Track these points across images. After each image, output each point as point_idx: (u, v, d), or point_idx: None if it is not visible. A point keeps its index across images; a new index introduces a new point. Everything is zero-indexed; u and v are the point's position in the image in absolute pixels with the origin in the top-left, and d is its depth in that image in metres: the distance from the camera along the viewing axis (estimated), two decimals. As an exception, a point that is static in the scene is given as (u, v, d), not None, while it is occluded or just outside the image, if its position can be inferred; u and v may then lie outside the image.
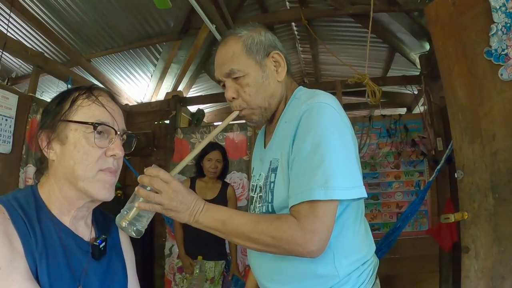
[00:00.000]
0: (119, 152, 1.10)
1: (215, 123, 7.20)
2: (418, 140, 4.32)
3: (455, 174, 2.07)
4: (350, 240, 1.26)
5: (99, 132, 1.07)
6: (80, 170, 1.03)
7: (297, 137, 1.21)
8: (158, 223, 4.80)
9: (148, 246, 4.80)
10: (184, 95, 5.94)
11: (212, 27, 4.11)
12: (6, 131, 3.58)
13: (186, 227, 3.69)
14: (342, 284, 1.23)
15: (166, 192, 1.12)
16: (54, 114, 1.08)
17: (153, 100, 6.40)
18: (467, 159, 2.01)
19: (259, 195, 1.38)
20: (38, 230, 0.98)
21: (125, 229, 1.13)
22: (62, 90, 1.18)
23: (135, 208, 1.12)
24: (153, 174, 1.12)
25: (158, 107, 5.55)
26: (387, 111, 5.08)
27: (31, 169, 3.81)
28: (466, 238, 1.98)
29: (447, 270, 4.07)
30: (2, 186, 3.61)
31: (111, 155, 1.09)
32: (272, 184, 1.28)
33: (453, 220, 1.97)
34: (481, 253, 1.90)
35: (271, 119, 1.42)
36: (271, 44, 1.36)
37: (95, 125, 1.05)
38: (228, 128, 4.83)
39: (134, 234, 1.14)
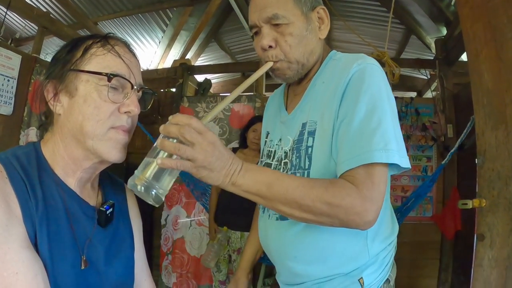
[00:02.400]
0: (135, 108, 0.98)
1: (221, 94, 7.14)
2: (429, 125, 4.24)
3: (476, 159, 2.01)
4: (381, 217, 1.18)
5: (114, 85, 0.95)
6: (89, 126, 0.93)
7: (346, 97, 1.11)
8: (160, 192, 4.75)
9: (148, 215, 4.72)
10: (192, 64, 5.85)
11: (228, -7, 3.94)
12: (8, 92, 3.52)
13: (220, 194, 3.73)
14: (369, 265, 1.18)
15: (201, 145, 0.89)
16: (64, 63, 0.97)
17: (160, 67, 6.33)
18: (489, 145, 1.94)
19: (284, 161, 1.27)
20: (40, 192, 0.89)
21: (140, 193, 0.90)
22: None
23: (155, 165, 0.89)
24: (182, 122, 0.89)
25: (164, 75, 5.42)
26: (396, 94, 5.01)
27: (33, 132, 3.78)
28: (482, 226, 1.93)
29: (448, 258, 4.06)
30: (2, 148, 3.52)
31: (126, 112, 0.97)
32: (310, 149, 1.16)
33: (470, 207, 1.92)
34: (496, 242, 1.85)
35: (300, 78, 1.29)
36: None
37: (109, 77, 0.93)
38: (236, 99, 4.72)
39: (152, 200, 0.90)
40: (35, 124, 3.76)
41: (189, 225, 4.60)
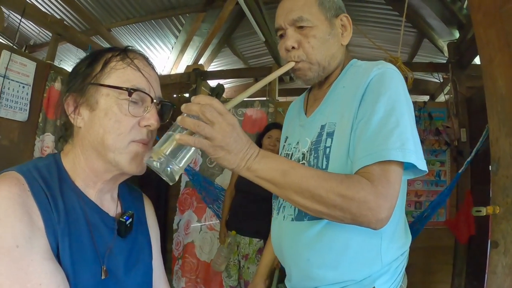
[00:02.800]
0: (155, 122, 0.99)
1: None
2: (442, 129, 4.22)
3: (490, 166, 2.01)
4: (396, 224, 1.20)
5: (134, 99, 0.96)
6: (110, 139, 0.94)
7: (366, 99, 1.13)
8: (173, 197, 4.80)
9: (162, 219, 4.75)
10: (205, 69, 5.89)
11: (241, -1, 3.97)
12: (23, 98, 3.55)
13: (233, 200, 3.76)
14: (382, 274, 1.17)
15: (220, 124, 0.90)
16: (84, 76, 0.98)
17: (173, 72, 6.36)
18: (504, 152, 1.93)
19: (301, 162, 1.28)
20: (61, 204, 0.89)
21: (155, 168, 0.89)
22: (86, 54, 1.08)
23: (173, 141, 0.90)
24: (204, 102, 0.91)
25: (177, 80, 5.48)
26: (408, 92, 4.98)
27: (49, 138, 3.81)
28: (496, 233, 1.92)
29: (461, 263, 4.02)
30: (18, 154, 3.61)
31: (146, 126, 0.98)
32: (328, 149, 1.18)
33: (485, 214, 1.91)
34: (510, 249, 1.84)
35: (321, 83, 1.34)
36: (341, 7, 1.30)
37: (130, 91, 0.94)
38: (248, 104, 4.78)
39: (166, 177, 0.90)
40: (50, 130, 3.81)
41: (199, 230, 4.60)
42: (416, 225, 3.67)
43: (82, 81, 0.98)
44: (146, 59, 1.08)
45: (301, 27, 1.23)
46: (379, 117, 1.08)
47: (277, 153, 3.59)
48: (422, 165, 1.07)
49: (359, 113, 1.14)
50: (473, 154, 3.41)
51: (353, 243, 1.15)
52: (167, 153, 0.89)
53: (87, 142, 0.97)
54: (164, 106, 1.09)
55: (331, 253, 1.18)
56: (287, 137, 1.50)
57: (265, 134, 3.79)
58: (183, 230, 4.67)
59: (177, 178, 0.92)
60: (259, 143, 3.83)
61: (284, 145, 1.50)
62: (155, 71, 1.09)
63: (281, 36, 1.29)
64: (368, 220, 0.99)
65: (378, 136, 1.06)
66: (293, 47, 1.24)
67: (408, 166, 1.08)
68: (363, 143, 1.08)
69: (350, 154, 1.13)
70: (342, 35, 1.30)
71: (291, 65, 1.25)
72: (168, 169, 0.89)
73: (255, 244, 3.53)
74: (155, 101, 1.02)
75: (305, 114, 1.41)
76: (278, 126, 3.84)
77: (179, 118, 0.91)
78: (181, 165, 0.91)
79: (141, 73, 1.00)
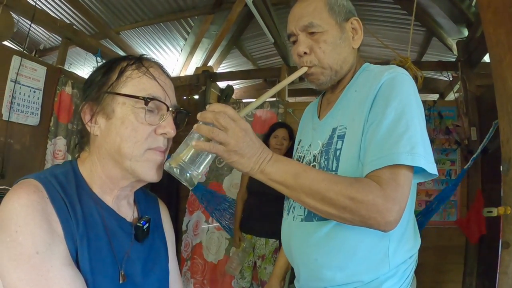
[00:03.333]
0: (171, 130, 1.00)
1: (243, 100, 7.19)
2: (452, 128, 4.21)
3: (500, 168, 2.01)
4: (405, 227, 1.21)
5: (150, 108, 0.97)
6: (127, 148, 0.95)
7: (377, 103, 1.16)
8: (184, 199, 4.83)
9: (173, 221, 4.74)
10: (214, 71, 5.91)
11: (249, 0, 3.95)
12: (34, 103, 3.59)
13: (245, 202, 3.79)
14: (389, 277, 1.19)
15: (233, 130, 0.96)
16: (100, 85, 0.99)
17: (182, 74, 6.39)
18: (514, 152, 1.94)
19: (312, 164, 1.31)
20: (79, 210, 0.91)
21: (175, 174, 0.96)
22: (100, 62, 1.08)
23: (190, 148, 0.96)
24: (218, 109, 0.97)
25: (187, 82, 5.50)
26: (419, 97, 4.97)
27: (61, 141, 3.85)
28: (507, 233, 1.92)
29: (473, 263, 4.00)
30: (29, 158, 3.65)
31: (162, 133, 1.00)
32: (338, 151, 1.21)
33: (496, 214, 1.92)
34: (522, 249, 1.85)
35: (334, 87, 1.36)
36: (351, 10, 1.32)
37: (146, 100, 0.96)
38: (259, 105, 4.75)
39: (185, 182, 0.97)
40: (62, 134, 3.85)
41: (206, 230, 4.62)
42: (420, 218, 3.67)
43: (98, 90, 0.99)
44: (161, 67, 1.09)
45: (312, 33, 1.25)
46: (389, 121, 1.10)
47: (284, 152, 3.63)
48: (432, 168, 1.08)
49: (369, 117, 1.16)
50: (479, 150, 3.42)
51: (361, 245, 1.17)
52: (185, 159, 0.96)
53: (104, 150, 0.98)
54: (180, 114, 1.10)
55: (340, 254, 1.20)
56: (300, 140, 1.54)
57: (271, 134, 3.81)
58: (192, 231, 4.69)
59: (196, 182, 0.98)
60: (266, 143, 3.84)
61: (297, 147, 1.53)
62: (170, 78, 1.10)
63: (294, 42, 1.32)
64: (377, 223, 1.02)
65: (388, 140, 1.08)
66: (305, 53, 1.27)
67: (418, 170, 1.09)
68: (373, 147, 1.10)
69: (361, 157, 1.15)
70: (353, 38, 1.32)
71: (304, 70, 1.28)
72: (188, 174, 0.96)
73: (271, 245, 3.57)
74: (171, 109, 1.03)
75: (318, 117, 1.43)
76: (283, 125, 3.88)
77: (195, 125, 0.97)
78: (199, 171, 0.98)
79: (157, 81, 1.02)
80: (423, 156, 1.06)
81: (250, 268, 3.67)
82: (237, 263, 3.59)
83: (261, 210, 3.51)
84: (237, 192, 3.97)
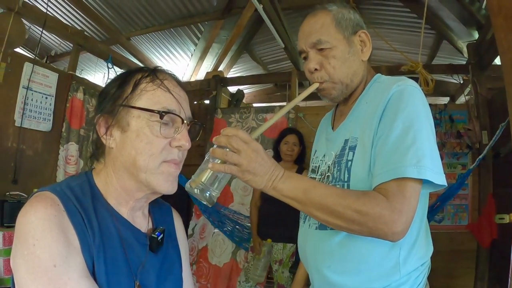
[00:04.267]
0: (186, 143, 1.00)
1: (254, 104, 7.21)
2: (463, 132, 4.19)
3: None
4: (416, 236, 1.22)
5: (165, 121, 0.97)
6: (142, 161, 0.95)
7: (385, 115, 1.18)
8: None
9: (184, 224, 4.74)
10: (225, 75, 5.94)
11: (259, 6, 3.98)
12: (46, 109, 3.66)
13: (260, 208, 3.81)
14: (400, 284, 1.20)
15: (245, 152, 1.03)
16: (115, 98, 0.99)
17: (193, 79, 6.42)
18: (526, 157, 1.94)
19: (326, 175, 1.34)
20: (95, 222, 0.92)
21: (196, 194, 1.04)
22: (111, 68, 1.08)
23: (208, 170, 1.03)
24: (231, 133, 1.04)
25: (198, 87, 5.54)
26: (429, 100, 4.93)
27: (73, 147, 3.91)
28: (518, 239, 1.92)
29: (484, 267, 3.97)
30: (42, 164, 3.72)
31: (177, 146, 1.00)
32: (349, 163, 1.24)
33: (508, 221, 1.91)
34: (534, 255, 1.84)
35: (346, 98, 1.38)
36: (358, 23, 1.34)
37: (161, 114, 0.96)
38: (269, 109, 4.86)
39: (206, 201, 1.04)
40: (74, 139, 3.91)
41: (212, 232, 4.62)
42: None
43: (113, 103, 1.00)
44: (175, 78, 1.09)
45: (321, 49, 1.28)
46: (397, 134, 1.13)
47: (295, 158, 3.63)
48: (439, 180, 1.10)
49: (379, 129, 1.18)
50: (485, 151, 3.43)
51: (373, 253, 1.19)
52: (204, 181, 1.03)
53: (119, 162, 0.99)
54: (194, 126, 1.10)
55: (352, 261, 1.22)
56: (316, 150, 1.56)
57: (281, 141, 3.83)
58: (198, 235, 4.70)
59: (215, 200, 1.06)
60: (276, 149, 3.88)
61: (312, 158, 1.56)
62: (184, 90, 1.10)
63: (305, 58, 1.35)
64: (385, 234, 1.06)
65: (395, 153, 1.11)
66: (315, 69, 1.30)
67: (427, 181, 1.10)
68: (381, 160, 1.13)
69: (372, 169, 1.17)
70: (362, 51, 1.34)
71: (315, 86, 1.32)
72: (207, 194, 1.03)
73: (289, 249, 3.59)
74: (185, 121, 1.03)
75: (332, 128, 1.46)
76: (293, 131, 3.90)
77: (211, 149, 1.05)
78: (217, 190, 1.05)
79: (171, 94, 1.01)
80: (430, 169, 1.08)
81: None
82: (261, 270, 3.61)
83: (277, 216, 3.53)
84: (250, 199, 4.00)
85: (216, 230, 4.57)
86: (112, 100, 1.00)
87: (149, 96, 0.99)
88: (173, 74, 1.10)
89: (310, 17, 1.33)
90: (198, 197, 1.05)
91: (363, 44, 1.34)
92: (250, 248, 3.83)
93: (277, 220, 3.56)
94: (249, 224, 4.06)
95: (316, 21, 1.30)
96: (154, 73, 1.03)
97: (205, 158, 1.07)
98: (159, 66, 1.09)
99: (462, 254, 4.12)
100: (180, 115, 1.01)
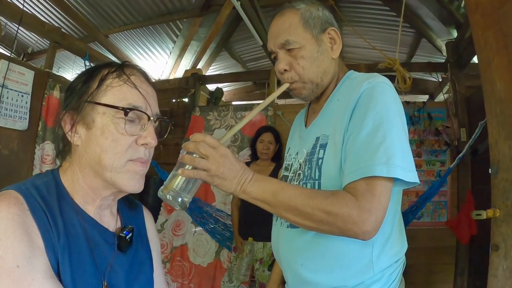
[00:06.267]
0: (152, 141, 0.98)
1: (233, 102, 7.18)
2: (442, 129, 4.23)
3: (489, 169, 2.00)
4: (389, 233, 1.22)
5: (130, 118, 0.95)
6: (107, 159, 0.93)
7: (356, 113, 1.17)
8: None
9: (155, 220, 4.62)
10: (203, 73, 5.90)
11: (237, 3, 3.94)
12: (22, 107, 3.58)
13: (240, 208, 3.80)
14: (374, 281, 1.20)
15: (213, 157, 1.05)
16: (80, 94, 0.96)
17: (171, 77, 6.38)
18: (503, 155, 1.93)
19: (297, 172, 1.34)
20: (60, 222, 0.89)
21: (168, 201, 1.05)
22: (88, 66, 1.05)
23: (179, 176, 1.05)
24: (199, 140, 1.06)
25: (176, 85, 5.49)
26: (408, 98, 5.00)
27: (49, 146, 3.84)
28: (496, 236, 1.91)
29: (463, 263, 4.03)
30: (18, 163, 3.63)
31: (143, 144, 0.98)
32: (320, 161, 1.23)
33: (485, 217, 1.91)
34: (511, 252, 1.84)
35: (318, 97, 1.37)
36: (327, 20, 1.32)
37: (126, 110, 0.93)
38: (248, 107, 4.86)
39: (178, 207, 1.06)
40: (50, 138, 3.82)
41: (193, 232, 4.56)
42: (407, 215, 3.70)
43: (78, 98, 0.96)
44: (143, 74, 1.06)
45: (290, 49, 1.27)
46: (366, 132, 1.12)
47: (271, 155, 3.66)
48: (410, 177, 1.09)
49: (349, 127, 1.17)
50: (465, 150, 3.47)
51: (345, 250, 1.19)
52: (176, 187, 1.05)
53: (84, 160, 0.96)
54: (162, 123, 1.08)
55: (324, 259, 1.22)
56: (289, 148, 1.55)
57: (257, 139, 3.84)
58: (170, 231, 4.61)
59: (188, 205, 1.08)
60: (253, 148, 3.89)
61: (286, 155, 1.55)
62: (152, 86, 1.07)
63: (275, 58, 1.34)
64: (355, 233, 1.06)
65: (364, 152, 1.10)
66: (285, 70, 1.29)
67: (399, 178, 1.09)
68: (351, 159, 1.13)
69: (343, 167, 1.17)
70: (332, 48, 1.32)
71: (286, 86, 1.31)
72: (179, 200, 1.05)
73: (269, 248, 3.58)
74: (152, 118, 1.00)
75: (305, 125, 1.45)
76: (269, 129, 3.91)
77: (181, 155, 1.08)
78: (189, 195, 1.07)
79: (138, 90, 0.99)
80: (401, 167, 1.07)
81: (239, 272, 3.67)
82: (245, 269, 3.62)
83: (256, 215, 3.48)
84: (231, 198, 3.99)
85: (198, 229, 4.52)
86: (77, 96, 0.97)
87: (114, 92, 0.96)
88: (142, 69, 1.07)
89: (278, 17, 1.32)
90: (171, 203, 1.06)
91: (333, 41, 1.33)
92: (233, 248, 3.82)
93: (256, 219, 3.51)
94: (231, 223, 4.05)
95: (284, 21, 1.29)
96: (121, 68, 1.00)
97: (177, 164, 1.09)
98: (127, 61, 1.05)
99: (441, 250, 4.18)
100: (146, 112, 0.98)
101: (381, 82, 1.19)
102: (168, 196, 1.04)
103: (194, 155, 1.05)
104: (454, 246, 4.11)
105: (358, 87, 1.20)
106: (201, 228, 4.49)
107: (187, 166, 1.06)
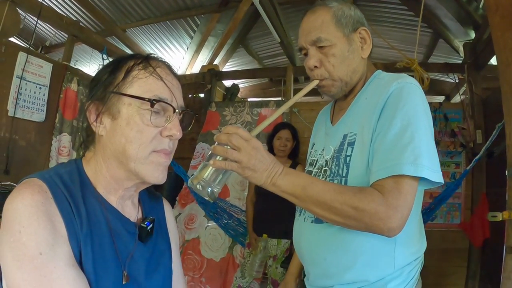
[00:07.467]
0: (177, 132, 0.98)
1: (249, 99, 7.20)
2: (457, 130, 4.20)
3: (506, 171, 2.00)
4: (411, 231, 1.24)
5: (156, 109, 0.95)
6: (132, 149, 0.93)
7: (384, 112, 1.19)
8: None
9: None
10: (220, 69, 5.92)
11: (256, 0, 3.96)
12: (40, 99, 3.63)
13: (255, 204, 3.80)
14: (393, 278, 1.21)
15: (245, 149, 1.06)
16: (106, 85, 0.97)
17: (188, 73, 6.40)
18: (520, 157, 1.93)
19: (324, 169, 1.36)
20: (83, 211, 0.90)
21: (198, 190, 1.07)
22: (106, 60, 1.05)
23: (210, 167, 1.07)
24: (231, 131, 1.07)
25: (192, 80, 5.51)
26: (428, 106, 4.96)
27: (65, 138, 3.88)
28: (511, 238, 1.92)
29: (475, 266, 3.99)
30: (35, 154, 3.68)
31: (168, 136, 0.98)
32: (348, 158, 1.25)
33: (500, 219, 1.91)
34: (526, 254, 1.84)
35: (346, 95, 1.39)
36: (359, 20, 1.33)
37: (152, 102, 0.93)
38: (263, 104, 4.83)
39: (208, 197, 1.08)
40: (67, 130, 3.87)
41: (205, 226, 4.54)
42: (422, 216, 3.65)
43: (104, 89, 0.97)
44: (168, 67, 1.06)
45: (321, 47, 1.28)
46: (395, 131, 1.13)
47: (288, 153, 3.65)
48: (436, 177, 1.11)
49: (377, 126, 1.19)
50: (482, 152, 3.41)
51: (368, 246, 1.20)
52: (205, 177, 1.07)
53: (108, 150, 0.97)
54: (186, 115, 1.08)
55: (347, 254, 1.24)
56: (314, 144, 1.57)
57: (275, 136, 3.82)
58: (182, 225, 4.59)
59: (217, 196, 1.11)
60: (269, 145, 3.86)
61: (311, 151, 1.56)
62: (177, 79, 1.08)
63: (305, 54, 1.35)
64: (380, 229, 1.08)
65: (393, 151, 1.12)
66: (315, 66, 1.30)
67: (424, 178, 1.11)
68: (379, 157, 1.15)
69: (370, 165, 1.18)
70: (362, 48, 1.33)
71: (315, 83, 1.32)
72: (209, 190, 1.07)
73: (283, 245, 3.59)
74: (177, 111, 1.00)
75: (331, 122, 1.47)
76: (286, 126, 3.88)
77: (213, 146, 1.09)
78: (219, 186, 1.09)
79: (164, 82, 0.99)
80: (427, 167, 1.09)
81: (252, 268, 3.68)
82: (258, 266, 3.61)
83: (272, 212, 3.52)
84: (246, 195, 4.00)
85: (211, 223, 4.51)
86: (103, 86, 0.97)
87: (140, 83, 0.96)
88: (167, 62, 1.07)
89: (310, 14, 1.33)
90: (200, 193, 1.08)
91: (363, 41, 1.34)
92: (247, 244, 3.82)
93: (271, 215, 3.55)
94: (245, 219, 4.04)
95: (316, 18, 1.30)
96: (147, 60, 1.01)
97: (208, 155, 1.10)
98: (152, 54, 1.05)
99: (454, 253, 4.14)
100: (171, 104, 0.99)
101: (410, 83, 1.21)
102: (198, 186, 1.07)
103: (226, 147, 1.07)
104: (467, 249, 4.08)
105: (387, 87, 1.21)
106: (215, 223, 4.47)
107: (218, 157, 1.08)
